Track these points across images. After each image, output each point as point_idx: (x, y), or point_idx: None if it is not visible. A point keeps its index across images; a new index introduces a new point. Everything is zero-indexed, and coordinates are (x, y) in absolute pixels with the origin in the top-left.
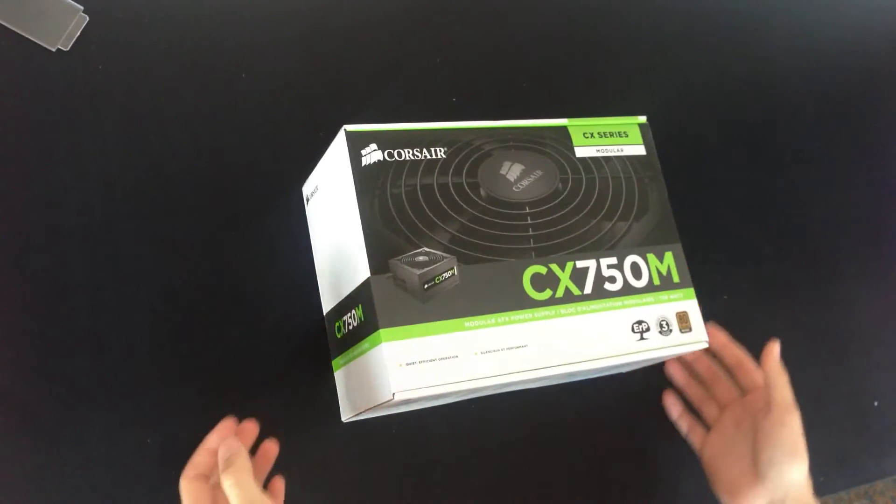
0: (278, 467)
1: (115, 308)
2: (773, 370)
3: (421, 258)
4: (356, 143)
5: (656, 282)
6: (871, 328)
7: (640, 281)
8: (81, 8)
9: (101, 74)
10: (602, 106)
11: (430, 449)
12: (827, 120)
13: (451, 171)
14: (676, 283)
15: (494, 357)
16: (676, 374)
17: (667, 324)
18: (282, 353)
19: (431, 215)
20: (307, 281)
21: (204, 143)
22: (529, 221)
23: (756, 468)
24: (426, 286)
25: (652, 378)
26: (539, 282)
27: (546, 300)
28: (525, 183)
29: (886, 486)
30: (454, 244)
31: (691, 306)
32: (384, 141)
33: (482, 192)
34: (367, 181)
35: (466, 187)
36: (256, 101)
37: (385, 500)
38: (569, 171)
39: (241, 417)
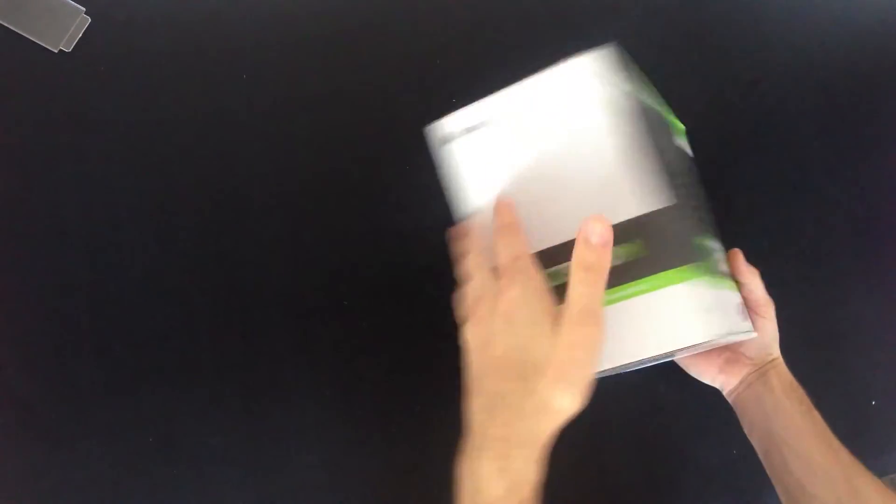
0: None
1: (115, 308)
2: (744, 274)
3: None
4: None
5: None
6: (871, 328)
7: None
8: (83, 9)
9: (103, 76)
10: None
11: (432, 448)
12: (826, 119)
13: None
14: None
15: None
16: None
17: None
18: (280, 353)
19: None
20: (303, 277)
21: (204, 145)
22: None
23: (738, 352)
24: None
25: (652, 378)
26: None
27: None
28: None
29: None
30: None
31: None
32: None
33: None
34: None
35: None
36: (256, 102)
37: (390, 499)
38: None
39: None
